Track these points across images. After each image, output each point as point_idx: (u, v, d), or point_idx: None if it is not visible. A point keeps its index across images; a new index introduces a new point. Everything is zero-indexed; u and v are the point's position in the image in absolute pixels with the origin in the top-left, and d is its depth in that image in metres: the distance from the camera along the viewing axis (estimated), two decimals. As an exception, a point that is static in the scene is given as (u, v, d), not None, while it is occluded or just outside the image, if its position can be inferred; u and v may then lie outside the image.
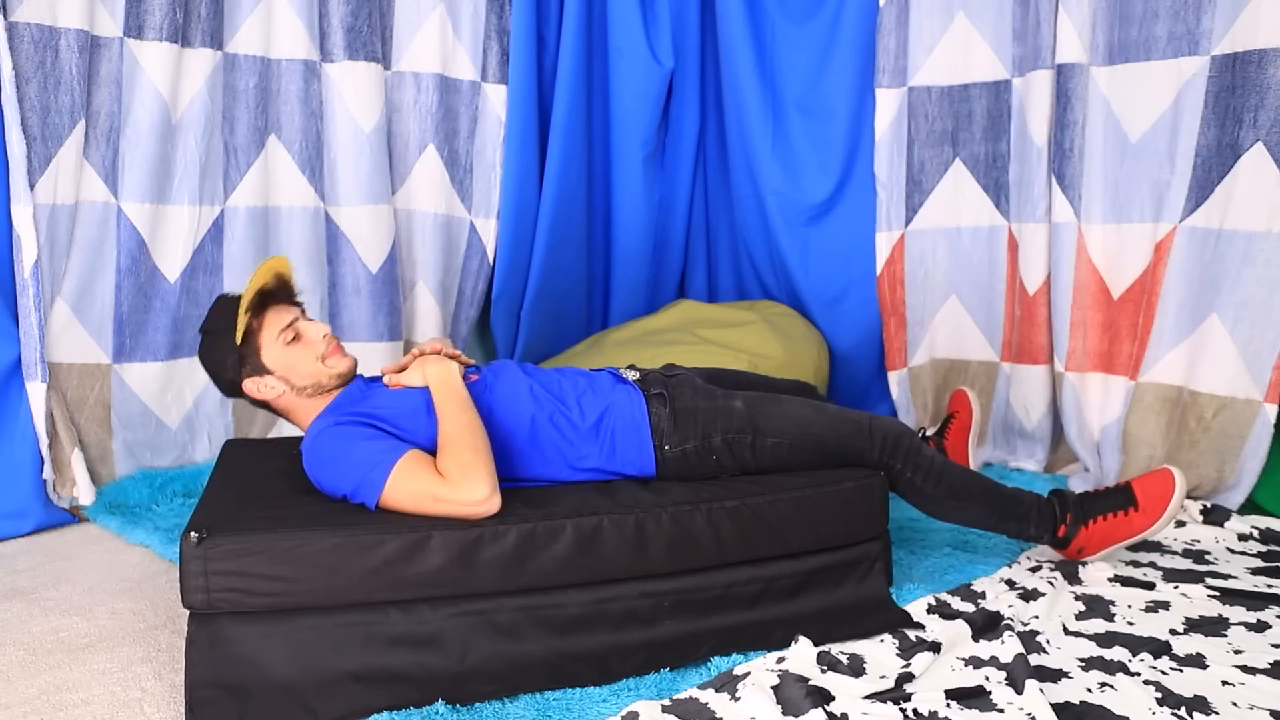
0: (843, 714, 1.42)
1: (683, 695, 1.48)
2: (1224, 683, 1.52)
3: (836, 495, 1.77)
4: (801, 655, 1.58)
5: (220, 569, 1.43)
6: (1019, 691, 1.47)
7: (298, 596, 1.46)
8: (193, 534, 1.43)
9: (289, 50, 2.61)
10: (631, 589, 1.61)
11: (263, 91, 2.61)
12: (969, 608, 1.79)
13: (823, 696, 1.46)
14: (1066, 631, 1.71)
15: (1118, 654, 1.62)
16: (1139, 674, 1.55)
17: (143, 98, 2.38)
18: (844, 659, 1.60)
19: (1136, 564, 2.03)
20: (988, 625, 1.69)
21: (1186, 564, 2.04)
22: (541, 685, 1.51)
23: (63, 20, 2.23)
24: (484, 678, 1.50)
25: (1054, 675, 1.54)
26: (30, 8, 2.18)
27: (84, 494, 2.32)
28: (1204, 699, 1.47)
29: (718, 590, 1.67)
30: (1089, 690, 1.50)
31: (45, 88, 2.23)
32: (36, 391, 2.24)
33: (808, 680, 1.50)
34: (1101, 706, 1.45)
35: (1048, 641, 1.66)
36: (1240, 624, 1.73)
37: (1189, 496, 2.38)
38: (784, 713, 1.42)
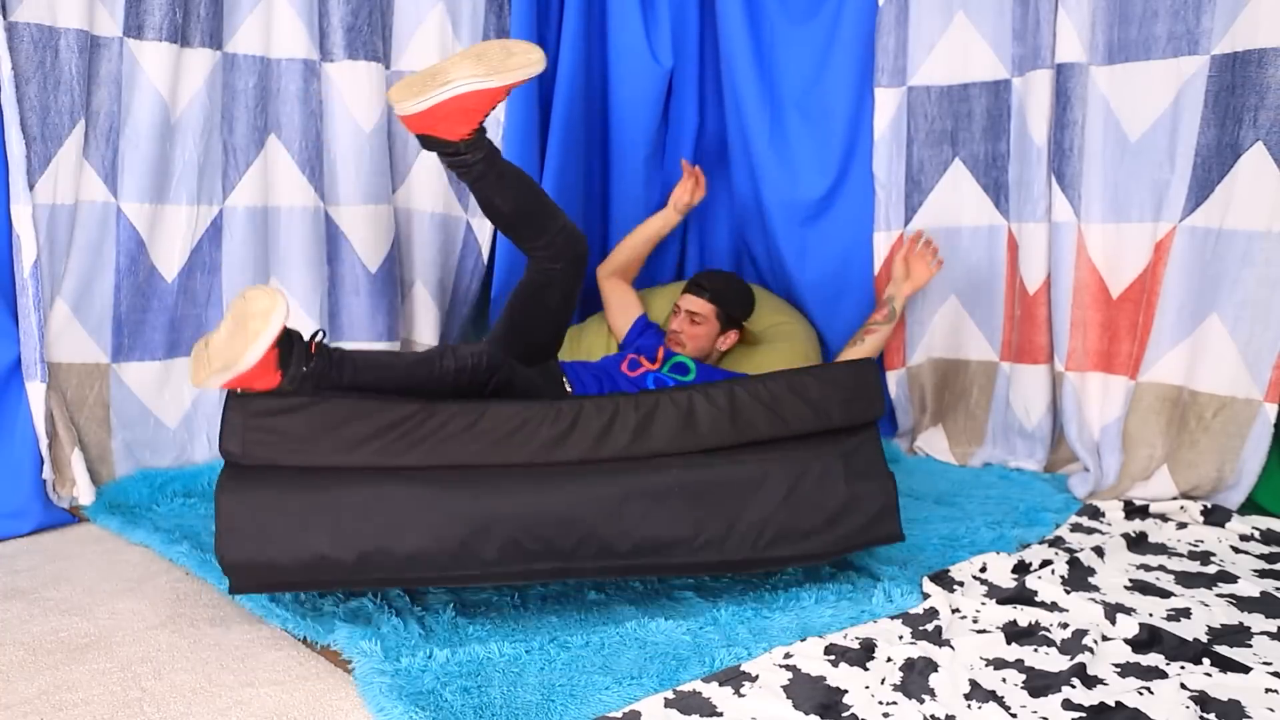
0: (849, 713, 1.42)
1: (685, 688, 1.48)
2: (1267, 691, 1.49)
3: (827, 375, 1.90)
4: (809, 650, 1.58)
5: (257, 425, 1.61)
6: (1036, 696, 1.46)
7: (327, 457, 1.62)
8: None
9: (289, 50, 2.61)
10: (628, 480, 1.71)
11: (262, 91, 2.60)
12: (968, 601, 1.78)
13: (831, 692, 1.45)
14: (1104, 638, 1.67)
15: (1152, 659, 1.59)
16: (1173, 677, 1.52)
17: (142, 98, 2.38)
18: (853, 645, 1.60)
19: (1147, 567, 2.02)
20: (1021, 631, 1.68)
21: (1195, 566, 2.03)
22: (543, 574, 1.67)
23: (62, 20, 2.23)
24: (497, 551, 1.64)
25: (1089, 681, 1.52)
26: (30, 8, 2.18)
27: (84, 494, 2.31)
28: (1238, 703, 1.45)
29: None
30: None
31: (45, 88, 2.23)
32: (36, 391, 2.23)
33: (818, 677, 1.49)
34: (1136, 710, 1.44)
35: (1095, 642, 1.63)
36: (1263, 633, 1.71)
37: (1189, 496, 2.38)
38: (794, 708, 1.41)
